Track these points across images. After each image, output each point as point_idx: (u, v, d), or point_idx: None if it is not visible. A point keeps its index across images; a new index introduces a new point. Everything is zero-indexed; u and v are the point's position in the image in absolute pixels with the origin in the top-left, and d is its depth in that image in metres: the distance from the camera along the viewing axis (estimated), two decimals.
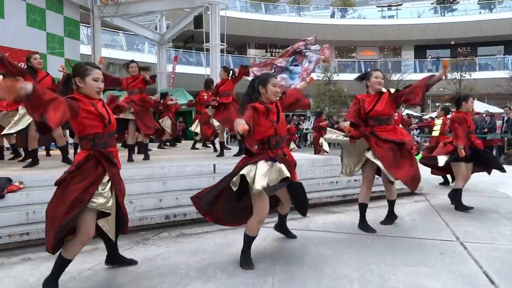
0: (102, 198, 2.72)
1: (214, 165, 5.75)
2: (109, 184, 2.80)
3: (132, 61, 6.58)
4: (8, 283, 2.97)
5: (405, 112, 19.96)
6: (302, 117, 22.68)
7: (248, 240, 3.27)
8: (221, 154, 6.96)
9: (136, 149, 7.19)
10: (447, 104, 7.52)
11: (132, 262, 3.26)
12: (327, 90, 25.29)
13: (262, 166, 3.12)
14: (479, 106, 17.37)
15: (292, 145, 12.27)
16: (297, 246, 3.76)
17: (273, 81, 3.33)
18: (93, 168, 2.72)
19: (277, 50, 30.55)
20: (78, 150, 2.91)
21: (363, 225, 4.32)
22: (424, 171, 6.84)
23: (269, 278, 3.01)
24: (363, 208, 4.34)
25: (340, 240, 3.99)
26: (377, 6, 32.55)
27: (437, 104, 27.63)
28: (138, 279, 3.02)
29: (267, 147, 3.24)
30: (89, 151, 2.75)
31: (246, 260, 3.24)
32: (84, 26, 14.78)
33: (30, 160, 5.52)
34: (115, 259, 3.20)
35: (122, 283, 2.96)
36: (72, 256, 2.74)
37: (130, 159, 6.20)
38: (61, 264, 2.72)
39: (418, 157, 8.79)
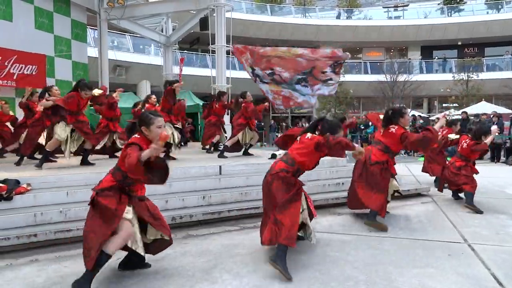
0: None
1: (220, 166, 5.76)
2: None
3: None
4: (16, 284, 3.00)
5: (412, 113, 19.87)
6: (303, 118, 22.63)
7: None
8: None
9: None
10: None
11: (145, 266, 3.26)
12: None
13: None
14: (487, 107, 17.22)
15: None
16: (303, 247, 3.75)
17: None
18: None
19: None
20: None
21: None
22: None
23: (276, 280, 3.01)
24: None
25: (347, 241, 3.97)
26: (383, 7, 32.37)
27: (443, 104, 27.45)
28: (145, 280, 3.03)
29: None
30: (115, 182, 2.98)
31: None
32: (91, 28, 14.87)
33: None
34: (129, 264, 3.21)
35: (129, 284, 2.98)
36: (112, 251, 2.84)
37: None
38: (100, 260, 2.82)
39: (422, 159, 8.72)
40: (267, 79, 6.70)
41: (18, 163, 5.98)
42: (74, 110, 5.63)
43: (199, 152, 8.71)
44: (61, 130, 5.64)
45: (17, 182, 4.38)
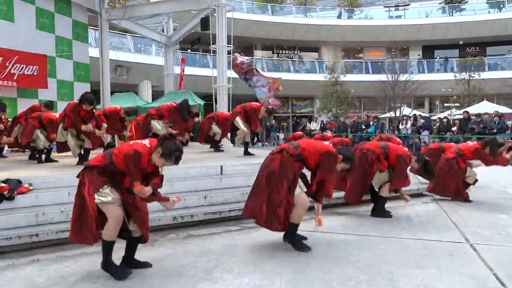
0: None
1: (221, 166, 5.76)
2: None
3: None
4: (17, 284, 3.00)
5: (413, 112, 19.83)
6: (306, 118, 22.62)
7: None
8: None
9: None
10: None
11: (146, 265, 3.26)
12: (334, 91, 25.17)
13: None
14: (489, 107, 17.17)
15: None
16: None
17: None
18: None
19: (283, 51, 30.54)
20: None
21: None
22: None
23: (277, 280, 3.00)
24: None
25: (348, 241, 3.96)
26: (384, 6, 32.35)
27: (445, 104, 27.39)
28: (146, 280, 3.03)
29: None
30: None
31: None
32: (92, 28, 14.88)
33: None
34: (130, 263, 3.22)
35: (131, 284, 2.97)
36: (107, 237, 2.99)
37: None
38: (105, 247, 3.03)
39: None
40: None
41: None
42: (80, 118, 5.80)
43: (200, 152, 8.70)
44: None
45: (19, 182, 4.39)
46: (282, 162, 3.56)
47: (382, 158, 4.81)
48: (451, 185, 5.70)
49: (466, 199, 5.72)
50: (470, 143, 5.85)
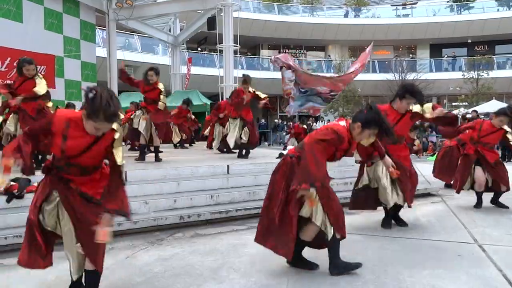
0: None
1: (228, 166, 5.77)
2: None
3: (151, 69, 6.33)
4: (29, 281, 3.04)
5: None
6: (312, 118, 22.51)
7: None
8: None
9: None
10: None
11: None
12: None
13: None
14: (498, 106, 16.97)
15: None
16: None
17: None
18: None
19: (290, 50, 30.47)
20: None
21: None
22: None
23: (284, 279, 3.00)
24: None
25: (355, 241, 3.94)
26: (391, 5, 32.14)
27: (453, 103, 27.15)
28: (153, 279, 3.05)
29: None
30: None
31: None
32: (99, 29, 15.00)
33: None
34: None
35: (138, 282, 2.99)
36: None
37: (157, 159, 6.49)
38: None
39: (433, 158, 8.61)
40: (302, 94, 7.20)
41: None
42: None
43: (205, 151, 8.74)
44: None
45: (28, 181, 4.43)
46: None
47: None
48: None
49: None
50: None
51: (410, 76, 21.56)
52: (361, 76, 25.86)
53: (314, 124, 21.40)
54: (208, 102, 15.81)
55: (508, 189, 5.34)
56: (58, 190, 2.42)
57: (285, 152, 7.01)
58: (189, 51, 21.99)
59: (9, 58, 8.52)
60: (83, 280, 2.55)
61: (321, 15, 30.04)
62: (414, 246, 3.79)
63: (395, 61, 25.87)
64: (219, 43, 11.21)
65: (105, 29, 13.31)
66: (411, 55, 29.42)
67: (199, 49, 24.56)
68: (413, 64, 25.74)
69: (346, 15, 30.51)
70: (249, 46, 29.04)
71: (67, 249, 2.48)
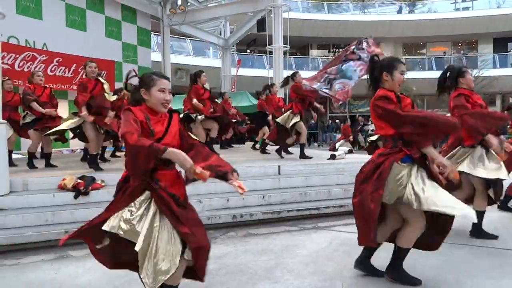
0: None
1: (279, 166, 5.78)
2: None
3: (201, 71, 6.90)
4: (97, 270, 3.23)
5: None
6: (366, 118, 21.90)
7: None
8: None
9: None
10: None
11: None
12: None
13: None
14: None
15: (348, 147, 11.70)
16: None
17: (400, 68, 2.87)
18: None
19: (340, 50, 29.86)
20: None
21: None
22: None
23: (337, 282, 2.96)
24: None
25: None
26: None
27: None
28: (208, 276, 3.11)
29: None
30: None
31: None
32: (154, 34, 15.69)
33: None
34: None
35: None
36: None
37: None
38: None
39: None
40: (326, 85, 7.01)
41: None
42: None
43: (254, 152, 8.79)
44: None
45: (93, 179, 4.76)
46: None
47: None
48: None
49: None
50: None
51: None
52: (415, 75, 24.96)
53: (366, 125, 20.80)
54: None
55: None
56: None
57: (337, 154, 6.92)
58: (239, 53, 22.32)
59: (74, 65, 9.17)
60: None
61: (373, 12, 29.11)
62: (477, 254, 3.57)
63: (454, 57, 24.42)
64: (269, 44, 11.26)
65: (159, 35, 13.88)
66: (473, 51, 27.62)
67: (248, 50, 24.87)
68: (475, 59, 24.12)
69: (399, 11, 29.30)
70: (298, 46, 28.87)
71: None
